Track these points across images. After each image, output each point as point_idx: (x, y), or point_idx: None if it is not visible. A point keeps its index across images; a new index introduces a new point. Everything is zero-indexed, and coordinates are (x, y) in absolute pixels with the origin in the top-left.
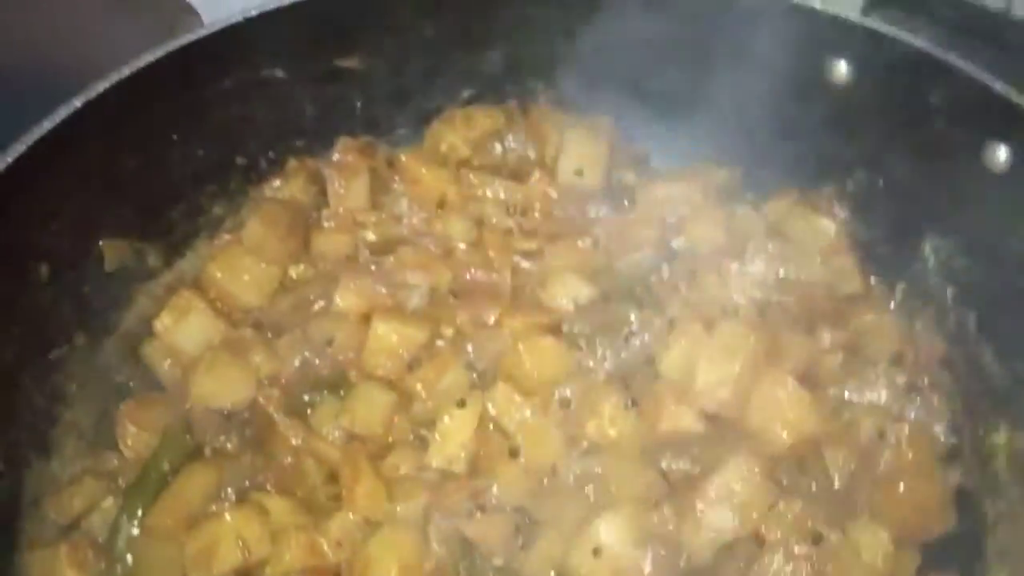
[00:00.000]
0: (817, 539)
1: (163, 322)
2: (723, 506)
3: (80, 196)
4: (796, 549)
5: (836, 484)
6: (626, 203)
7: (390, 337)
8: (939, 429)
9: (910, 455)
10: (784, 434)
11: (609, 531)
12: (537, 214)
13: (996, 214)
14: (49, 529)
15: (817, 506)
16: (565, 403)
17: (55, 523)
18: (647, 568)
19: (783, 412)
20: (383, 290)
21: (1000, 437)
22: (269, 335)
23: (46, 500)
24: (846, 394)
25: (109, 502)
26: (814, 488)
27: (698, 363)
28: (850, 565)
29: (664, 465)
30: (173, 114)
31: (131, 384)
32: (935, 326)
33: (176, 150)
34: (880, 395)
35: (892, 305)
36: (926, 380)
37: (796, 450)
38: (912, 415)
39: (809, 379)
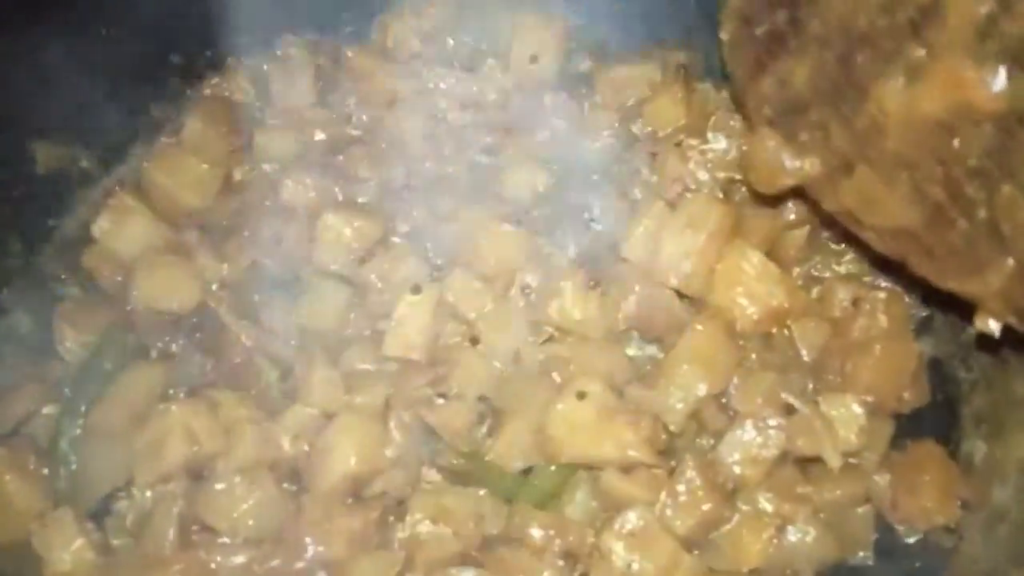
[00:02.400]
0: (789, 411)
1: (101, 226)
2: (691, 366)
3: (5, 92)
4: (768, 421)
5: (805, 357)
6: (583, 90)
7: (341, 230)
8: (909, 301)
9: (885, 321)
10: (750, 308)
11: (587, 386)
12: (490, 107)
13: None
14: None
15: (788, 379)
16: (526, 289)
17: None
18: (623, 422)
19: (749, 286)
20: (333, 186)
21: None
22: (215, 237)
23: None
24: (812, 271)
25: (51, 409)
26: (783, 362)
27: (662, 240)
28: (823, 438)
29: (631, 352)
30: (100, 4)
31: (72, 292)
32: None
33: (106, 46)
34: (846, 269)
35: None
36: None
37: (763, 325)
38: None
39: (775, 256)
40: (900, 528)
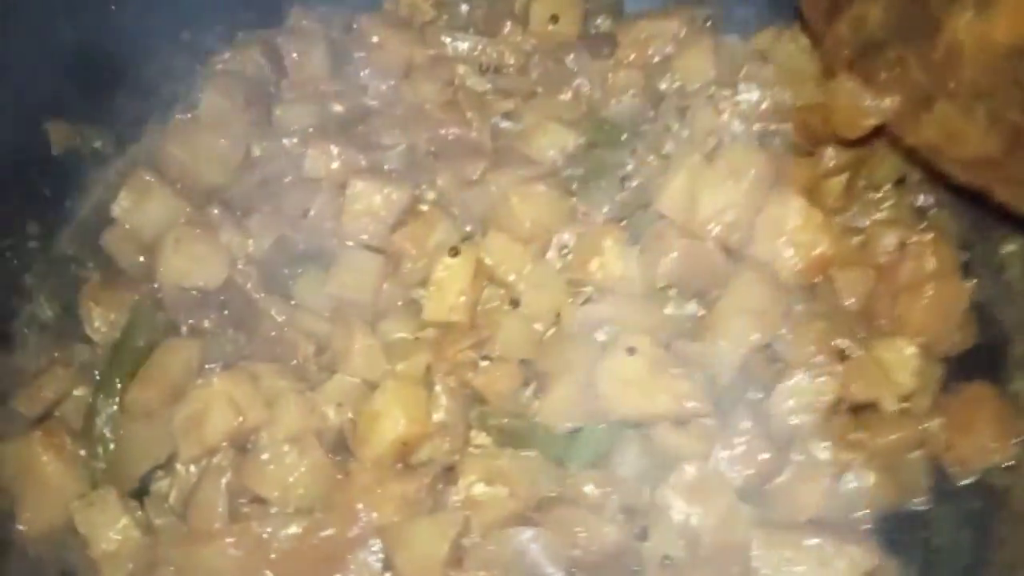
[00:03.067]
0: (842, 357)
1: (121, 205)
2: (739, 318)
3: (16, 73)
4: (821, 369)
5: (851, 305)
6: (605, 50)
7: (371, 198)
8: None
9: (933, 263)
10: (794, 257)
11: (635, 342)
12: (512, 70)
13: None
14: (18, 424)
15: (839, 326)
16: (564, 249)
17: (25, 417)
18: (676, 375)
19: (792, 234)
20: (357, 154)
21: (1010, 246)
22: (238, 213)
23: (12, 395)
24: (850, 220)
25: (82, 391)
26: (829, 311)
27: (700, 193)
28: (878, 382)
29: (672, 310)
30: None
31: (93, 275)
32: None
33: (115, 23)
34: (886, 215)
35: None
36: (932, 199)
37: (807, 274)
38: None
39: (815, 205)
40: (954, 471)
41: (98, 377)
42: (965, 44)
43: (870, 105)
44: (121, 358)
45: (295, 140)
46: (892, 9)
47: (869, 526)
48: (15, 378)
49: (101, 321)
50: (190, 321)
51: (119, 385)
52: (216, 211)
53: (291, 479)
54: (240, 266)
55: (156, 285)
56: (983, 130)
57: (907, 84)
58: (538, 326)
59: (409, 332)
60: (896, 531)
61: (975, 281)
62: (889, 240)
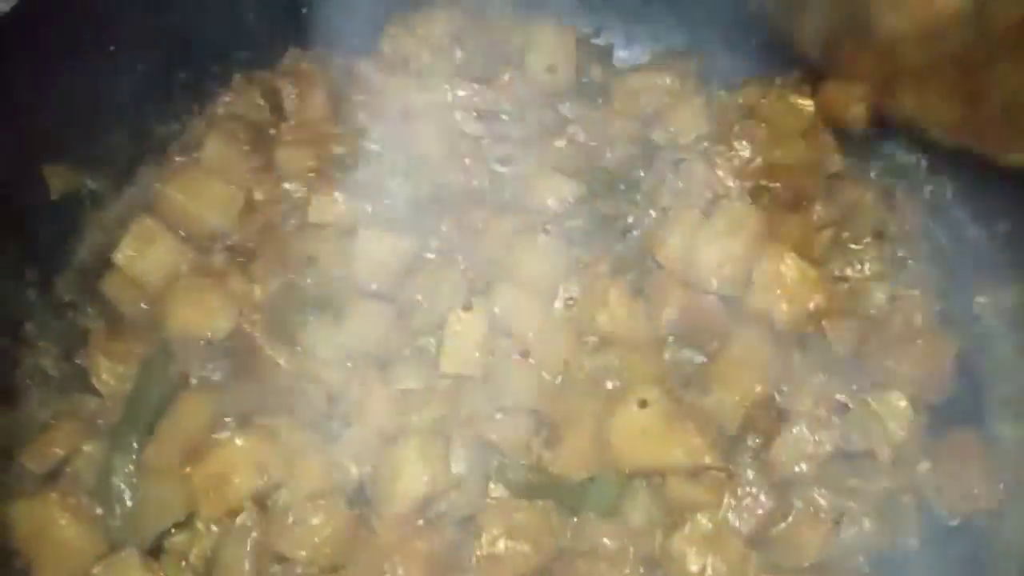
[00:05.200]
0: (843, 409)
1: (124, 252)
2: (742, 370)
3: (12, 117)
4: (822, 420)
5: (842, 354)
6: (599, 100)
7: (379, 246)
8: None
9: (920, 318)
10: (789, 310)
11: (647, 394)
12: (507, 117)
13: None
14: (28, 481)
15: (836, 378)
16: (570, 300)
17: (33, 474)
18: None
19: (788, 288)
20: (362, 201)
21: (982, 298)
22: (242, 260)
23: (19, 451)
24: (835, 271)
25: (91, 446)
26: (822, 361)
27: (698, 247)
28: (874, 433)
29: (670, 357)
30: (104, 23)
31: (95, 323)
32: (912, 198)
33: (112, 64)
34: (867, 268)
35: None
36: (910, 250)
37: (800, 326)
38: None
39: (804, 258)
40: (942, 513)
41: (111, 433)
42: (896, 32)
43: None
44: (135, 414)
45: (296, 183)
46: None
47: (867, 571)
48: (21, 433)
49: (109, 374)
50: (200, 373)
51: (135, 443)
52: (219, 257)
53: (318, 538)
54: (246, 314)
55: (163, 336)
56: (942, 100)
57: (868, 72)
58: (547, 376)
59: (420, 383)
60: (890, 573)
61: (951, 330)
62: (879, 295)
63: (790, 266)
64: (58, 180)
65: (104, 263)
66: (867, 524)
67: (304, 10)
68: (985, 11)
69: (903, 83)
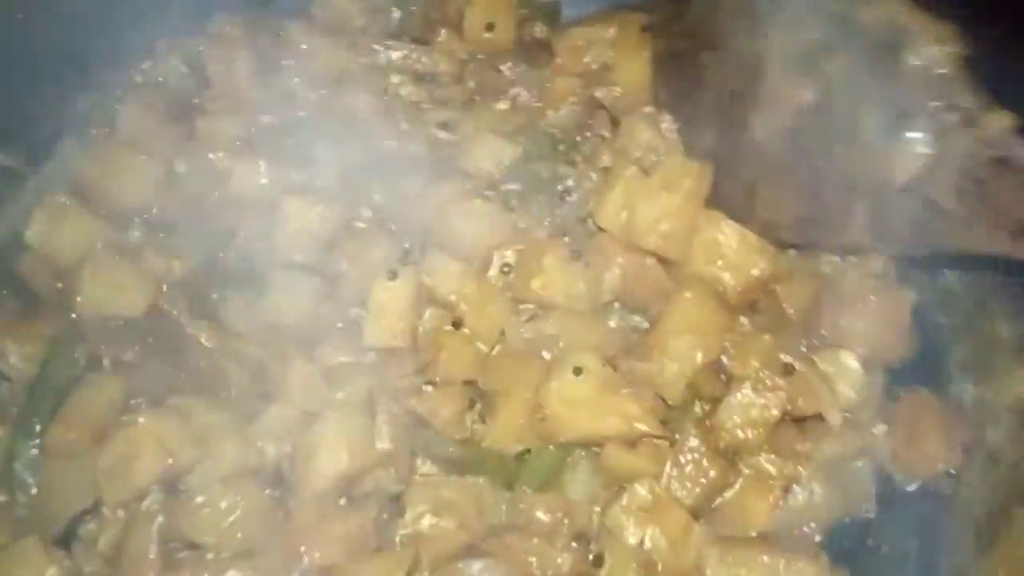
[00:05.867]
0: (788, 371)
1: (35, 229)
2: (684, 336)
3: None
4: (767, 383)
5: (793, 316)
6: (542, 58)
7: (304, 216)
8: None
9: (875, 272)
10: (733, 279)
11: (582, 361)
12: (447, 79)
13: None
14: None
15: (784, 339)
16: (506, 267)
17: None
18: (625, 396)
19: (729, 258)
20: (287, 169)
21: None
22: (162, 235)
23: None
24: None
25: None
26: (772, 323)
27: (636, 205)
28: (822, 395)
29: (614, 323)
30: None
31: (8, 304)
32: None
33: (24, 32)
34: None
35: None
36: None
37: (748, 294)
38: None
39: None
40: (899, 478)
41: (16, 417)
42: (762, 135)
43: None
44: (40, 396)
45: (221, 155)
46: (717, 130)
47: (819, 538)
48: None
49: (17, 356)
50: (113, 353)
51: (39, 426)
52: (137, 233)
53: (227, 522)
54: (165, 291)
55: (75, 315)
56: (793, 194)
57: (739, 185)
58: (482, 346)
59: (349, 356)
60: (845, 540)
61: (911, 288)
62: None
63: (729, 234)
64: None
65: (19, 243)
66: (818, 490)
67: None
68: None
69: (763, 191)
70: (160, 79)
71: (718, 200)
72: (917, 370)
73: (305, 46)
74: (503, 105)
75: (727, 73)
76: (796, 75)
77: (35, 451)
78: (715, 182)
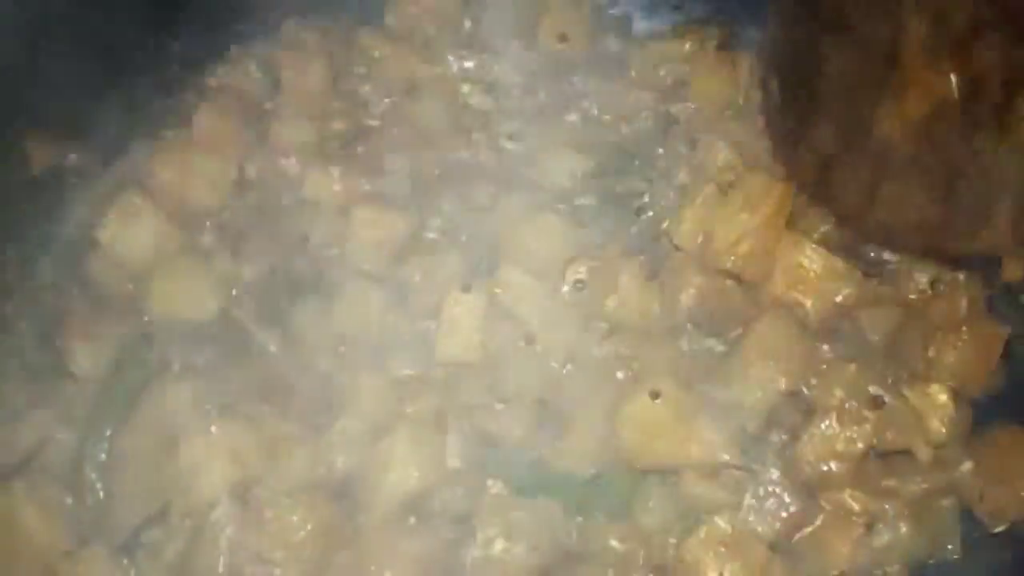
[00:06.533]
0: (876, 404)
1: (108, 230)
2: (765, 361)
3: None
4: (853, 415)
5: (876, 345)
6: (615, 72)
7: (375, 226)
8: None
9: (965, 304)
10: (812, 304)
11: (659, 385)
12: (516, 90)
13: None
14: None
15: (869, 370)
16: (579, 283)
17: (2, 462)
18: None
19: (811, 282)
20: (359, 177)
21: None
22: (232, 239)
23: None
24: (871, 253)
25: (65, 434)
26: (856, 352)
27: (715, 225)
28: (911, 429)
29: (688, 345)
30: None
31: (76, 304)
32: None
33: (101, 33)
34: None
35: None
36: None
37: (830, 320)
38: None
39: (838, 241)
40: (985, 519)
41: (85, 419)
42: (891, 128)
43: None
44: (110, 400)
45: (293, 160)
46: (836, 124)
47: None
48: None
49: (86, 357)
50: (183, 357)
51: (108, 430)
52: (209, 237)
53: (296, 537)
54: (235, 296)
55: (146, 318)
56: (923, 193)
57: (856, 184)
58: (554, 364)
59: (418, 370)
60: None
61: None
62: (920, 278)
63: (812, 258)
64: (40, 153)
65: (89, 242)
66: (903, 529)
67: None
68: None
69: (887, 185)
70: (234, 83)
71: (829, 201)
72: (1005, 406)
73: (377, 54)
74: (574, 117)
75: (852, 61)
76: (940, 61)
77: (104, 456)
78: (828, 181)
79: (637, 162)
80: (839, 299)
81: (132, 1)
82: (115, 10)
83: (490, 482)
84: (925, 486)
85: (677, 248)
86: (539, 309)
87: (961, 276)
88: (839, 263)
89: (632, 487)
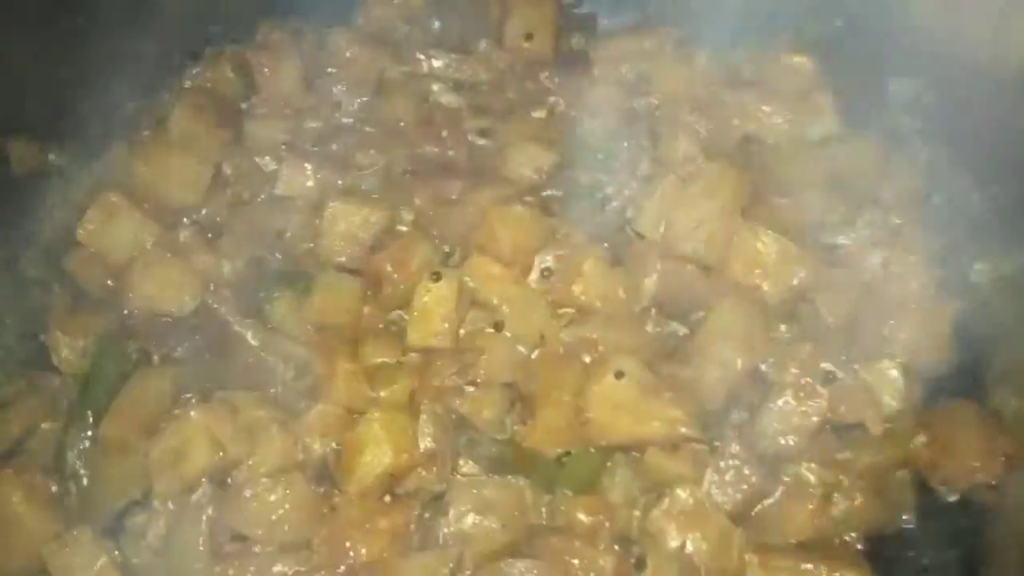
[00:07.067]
0: (829, 379)
1: (87, 227)
2: (725, 342)
3: None
4: (808, 390)
5: (832, 324)
6: (580, 68)
7: (349, 219)
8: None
9: (916, 285)
10: (773, 287)
11: (623, 365)
12: (486, 88)
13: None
14: None
15: (825, 347)
16: (547, 271)
17: None
18: (668, 401)
19: (767, 267)
20: (332, 173)
21: (980, 264)
22: (210, 234)
23: None
24: (826, 238)
25: (50, 424)
26: (812, 330)
27: (675, 212)
28: (863, 404)
29: (652, 328)
30: None
31: (58, 299)
32: (909, 164)
33: (79, 38)
34: (860, 235)
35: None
36: (905, 216)
37: (787, 303)
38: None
39: (794, 227)
40: (940, 489)
41: (68, 409)
42: None
43: None
44: (92, 390)
45: (267, 158)
46: None
47: (860, 547)
48: None
49: (69, 350)
50: (163, 349)
51: (91, 418)
52: (186, 233)
53: (275, 516)
54: (213, 289)
55: (125, 312)
56: None
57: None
58: (522, 349)
59: (391, 357)
60: (886, 551)
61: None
62: (874, 260)
63: (768, 243)
64: (21, 154)
65: (69, 240)
66: (858, 500)
67: None
68: None
69: None
70: (208, 84)
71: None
72: (956, 381)
73: (348, 54)
74: (541, 113)
75: None
76: None
77: (87, 443)
78: None
79: (601, 155)
80: (795, 282)
81: (109, 4)
82: (92, 13)
83: (462, 462)
84: (879, 458)
85: (640, 236)
86: (508, 296)
87: (912, 258)
88: (794, 248)
89: (598, 464)
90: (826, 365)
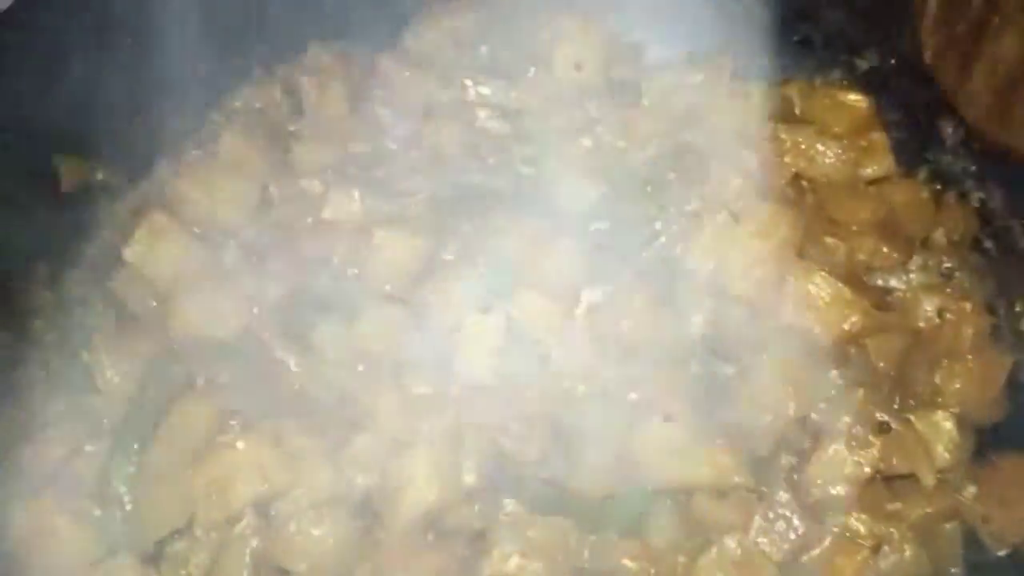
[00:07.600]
0: (883, 429)
1: (134, 248)
2: (776, 387)
3: (22, 107)
4: (860, 440)
5: (884, 371)
6: (628, 99)
7: (395, 248)
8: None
9: (971, 332)
10: (820, 330)
11: (672, 408)
12: (532, 116)
13: None
14: (26, 482)
15: (876, 396)
16: (593, 306)
17: (33, 474)
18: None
19: (820, 310)
20: (379, 199)
21: None
22: (255, 259)
23: (19, 451)
24: (878, 282)
25: (93, 446)
26: (864, 378)
27: (727, 252)
28: (916, 455)
29: (697, 369)
30: (123, 15)
31: (103, 320)
32: (960, 206)
33: (129, 56)
34: (912, 279)
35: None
36: (956, 262)
37: (839, 347)
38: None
39: (847, 269)
40: (989, 542)
41: (113, 434)
42: None
43: None
44: (136, 414)
45: (315, 181)
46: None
47: None
48: (22, 432)
49: (113, 371)
50: (207, 374)
51: (136, 444)
52: (232, 256)
53: (319, 550)
54: (257, 313)
55: (171, 335)
56: None
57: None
58: (568, 385)
59: (436, 387)
60: None
61: (1002, 347)
62: (928, 307)
63: (821, 285)
64: (69, 173)
65: (115, 259)
66: (908, 552)
67: (326, 4)
68: None
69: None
70: (258, 105)
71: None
72: (1008, 432)
73: (396, 78)
74: (587, 143)
75: None
76: None
77: (131, 468)
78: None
79: (650, 188)
80: (847, 326)
81: (160, 26)
82: (144, 34)
83: (505, 500)
84: (929, 510)
85: (688, 273)
86: (554, 331)
87: (968, 306)
88: (847, 291)
89: (644, 506)
90: (880, 414)
